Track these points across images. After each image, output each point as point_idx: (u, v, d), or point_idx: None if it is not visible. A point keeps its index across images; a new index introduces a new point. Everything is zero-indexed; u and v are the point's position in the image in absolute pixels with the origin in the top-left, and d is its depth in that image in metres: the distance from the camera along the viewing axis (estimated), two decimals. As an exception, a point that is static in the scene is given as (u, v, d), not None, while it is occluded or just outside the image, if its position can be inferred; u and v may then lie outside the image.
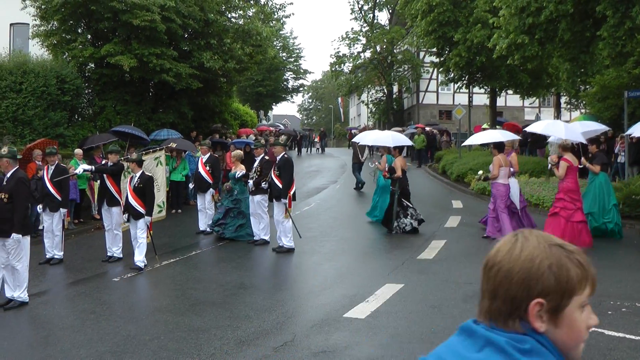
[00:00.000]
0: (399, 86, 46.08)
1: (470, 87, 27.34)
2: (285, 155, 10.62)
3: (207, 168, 12.36)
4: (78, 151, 13.59)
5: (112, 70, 17.85)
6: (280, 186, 10.36)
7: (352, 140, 16.21)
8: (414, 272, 8.58)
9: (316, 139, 44.23)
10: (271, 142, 13.47)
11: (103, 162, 10.21)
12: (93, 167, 9.95)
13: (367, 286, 7.73)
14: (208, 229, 12.03)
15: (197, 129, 20.89)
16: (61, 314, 6.86)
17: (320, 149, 40.73)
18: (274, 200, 10.53)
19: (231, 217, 11.46)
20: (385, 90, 46.23)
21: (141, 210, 9.23)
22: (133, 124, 17.31)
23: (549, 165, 11.37)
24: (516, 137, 12.64)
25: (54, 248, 9.79)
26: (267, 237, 10.98)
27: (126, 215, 9.43)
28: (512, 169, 10.99)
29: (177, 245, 10.55)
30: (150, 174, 9.83)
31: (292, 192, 10.52)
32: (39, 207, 10.00)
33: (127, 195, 9.33)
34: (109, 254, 9.91)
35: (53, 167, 9.97)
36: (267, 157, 11.18)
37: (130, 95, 18.88)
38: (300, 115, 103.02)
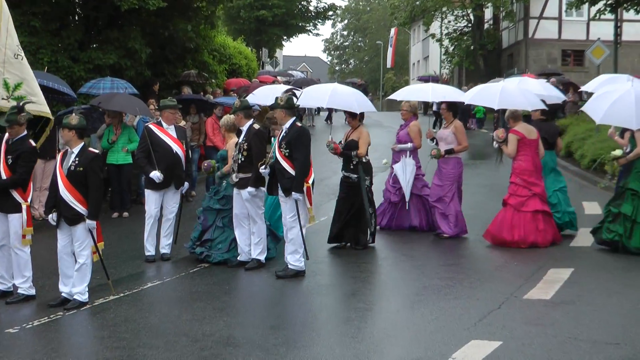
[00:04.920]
0: (494, 10, 39.09)
1: (620, 10, 22.52)
2: (297, 124, 9.21)
3: None
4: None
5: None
6: (292, 172, 8.85)
7: None
8: (518, 321, 7.41)
9: None
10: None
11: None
12: None
13: (439, 344, 6.62)
14: (189, 249, 10.21)
15: (156, 76, 18.58)
16: None
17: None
18: (281, 195, 9.12)
19: (219, 227, 9.88)
20: (472, 18, 38.62)
21: (81, 209, 7.88)
22: (47, 69, 14.77)
23: (495, 144, 11.31)
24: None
25: None
26: (262, 257, 9.61)
27: (52, 216, 7.89)
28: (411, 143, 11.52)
29: (120, 272, 9.20)
30: (96, 151, 8.66)
31: (310, 182, 9.17)
32: None
33: (57, 184, 7.92)
34: (5, 286, 8.36)
35: None
36: (256, 126, 9.43)
37: (42, 20, 16.31)
38: (329, 58, 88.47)
